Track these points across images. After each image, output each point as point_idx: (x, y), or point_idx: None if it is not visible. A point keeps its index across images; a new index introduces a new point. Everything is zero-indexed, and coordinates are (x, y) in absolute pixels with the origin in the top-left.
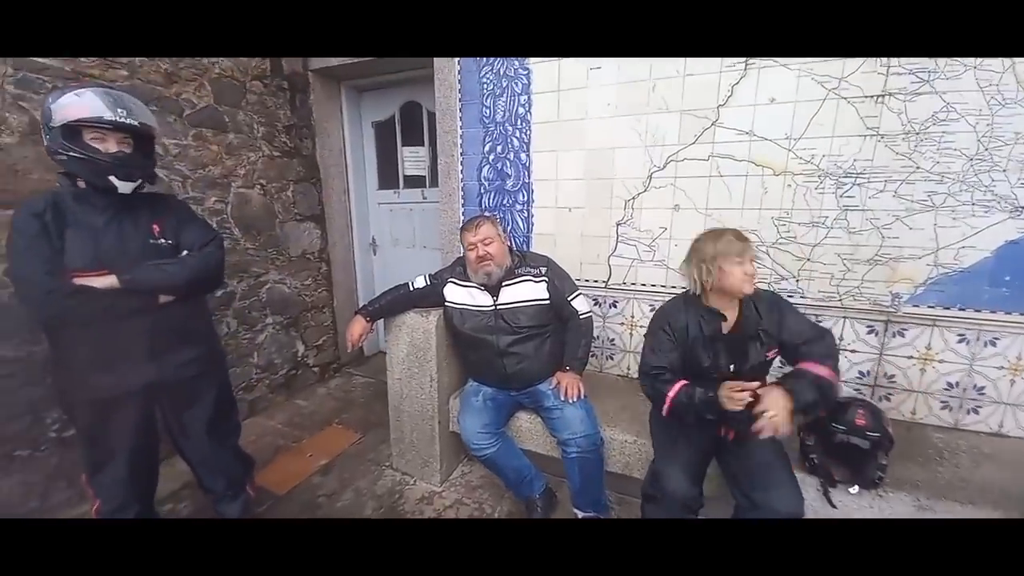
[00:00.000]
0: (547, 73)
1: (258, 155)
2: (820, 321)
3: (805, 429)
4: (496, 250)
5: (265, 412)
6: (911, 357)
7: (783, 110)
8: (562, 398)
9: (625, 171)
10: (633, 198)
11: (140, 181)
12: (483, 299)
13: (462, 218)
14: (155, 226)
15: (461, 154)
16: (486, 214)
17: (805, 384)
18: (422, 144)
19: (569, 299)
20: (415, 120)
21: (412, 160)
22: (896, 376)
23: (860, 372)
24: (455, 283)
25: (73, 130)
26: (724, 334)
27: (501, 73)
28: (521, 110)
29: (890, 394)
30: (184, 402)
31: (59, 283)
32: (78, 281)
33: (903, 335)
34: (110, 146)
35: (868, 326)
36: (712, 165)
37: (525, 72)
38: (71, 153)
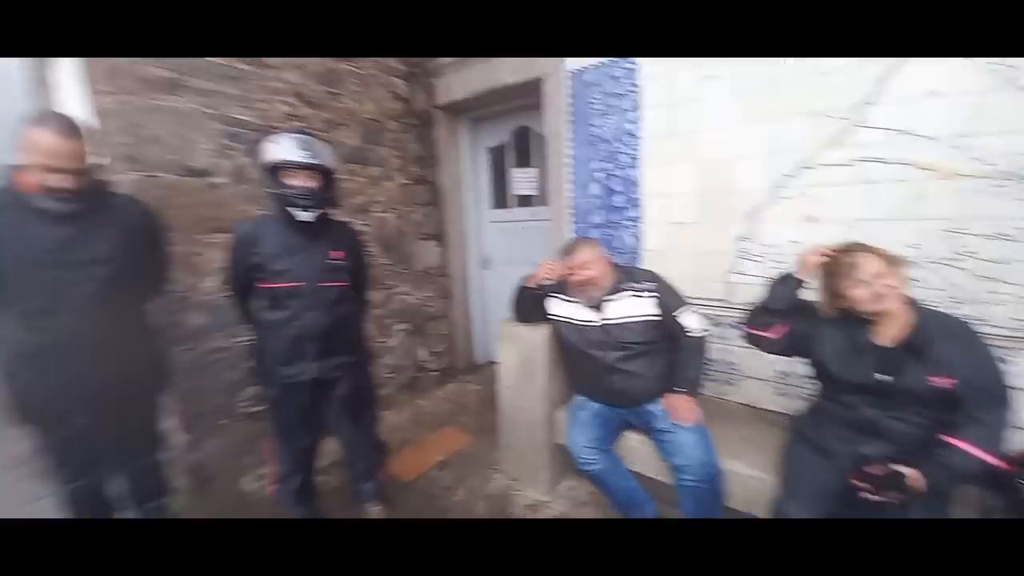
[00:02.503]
0: (657, 87)
1: (393, 184)
2: (1010, 358)
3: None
4: (598, 271)
5: (393, 408)
6: None
7: (944, 103)
8: (674, 420)
9: (745, 182)
10: (757, 210)
11: (321, 211)
12: (588, 314)
13: (572, 234)
14: (339, 251)
15: (570, 173)
16: (583, 237)
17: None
18: (533, 165)
19: (677, 315)
20: (526, 143)
21: (523, 180)
22: None
23: None
24: (558, 297)
25: (275, 169)
26: (876, 344)
27: (609, 92)
28: (629, 126)
29: None
30: (339, 394)
31: (233, 287)
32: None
33: None
34: (298, 182)
35: None
36: (855, 170)
37: (634, 89)
38: (268, 189)
